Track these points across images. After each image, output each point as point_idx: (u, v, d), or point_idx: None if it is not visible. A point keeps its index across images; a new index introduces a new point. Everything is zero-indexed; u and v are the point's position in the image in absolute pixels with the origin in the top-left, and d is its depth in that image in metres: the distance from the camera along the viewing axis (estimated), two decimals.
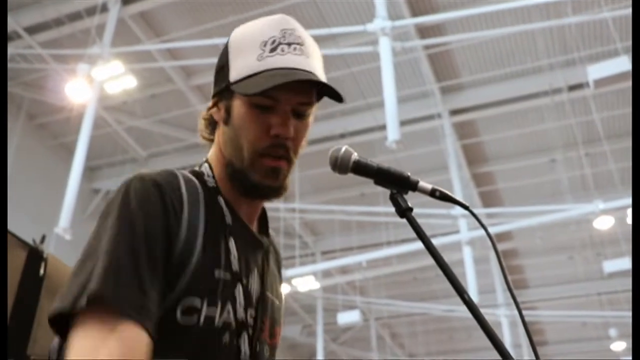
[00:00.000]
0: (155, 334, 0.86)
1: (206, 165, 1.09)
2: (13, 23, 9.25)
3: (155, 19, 9.58)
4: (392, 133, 7.38)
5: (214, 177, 1.06)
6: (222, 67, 1.06)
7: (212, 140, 1.11)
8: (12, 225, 2.66)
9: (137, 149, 11.57)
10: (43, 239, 2.46)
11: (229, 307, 0.96)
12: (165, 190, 0.94)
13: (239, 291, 0.98)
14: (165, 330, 0.88)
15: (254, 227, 1.11)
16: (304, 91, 1.02)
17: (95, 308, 0.82)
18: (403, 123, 8.92)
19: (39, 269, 2.31)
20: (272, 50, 1.01)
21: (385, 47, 7.96)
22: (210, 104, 1.09)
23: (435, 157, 11.46)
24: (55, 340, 0.98)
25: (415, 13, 9.12)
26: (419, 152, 11.46)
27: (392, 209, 1.06)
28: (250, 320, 1.01)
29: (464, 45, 9.76)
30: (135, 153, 11.64)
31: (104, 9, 8.96)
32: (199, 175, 1.06)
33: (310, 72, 1.01)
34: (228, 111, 1.04)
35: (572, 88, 9.93)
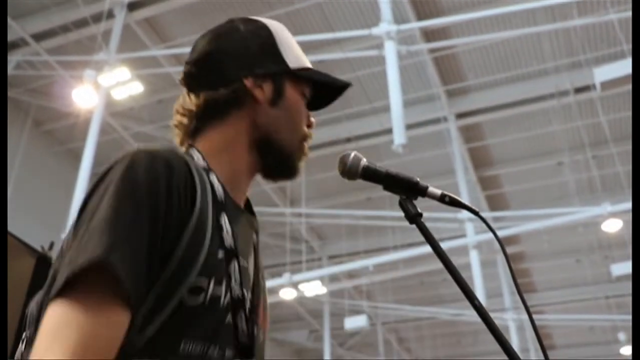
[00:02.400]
0: (159, 316, 0.84)
1: (194, 150, 1.04)
2: (19, 30, 9.30)
3: (161, 25, 9.61)
4: (398, 137, 7.37)
5: (204, 159, 1.01)
6: (271, 50, 1.08)
7: (196, 128, 1.06)
8: (20, 232, 2.67)
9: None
10: (52, 245, 2.47)
11: (226, 284, 0.93)
12: (176, 173, 0.89)
13: (234, 268, 0.95)
14: (171, 311, 0.86)
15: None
16: None
17: (88, 279, 0.78)
18: (409, 127, 8.91)
19: (47, 276, 2.31)
20: (305, 54, 1.15)
21: (390, 51, 7.96)
22: (247, 82, 1.04)
23: (442, 160, 11.44)
24: (33, 304, 0.93)
25: (420, 16, 9.12)
26: (425, 155, 11.45)
27: (399, 213, 1.06)
28: (247, 299, 0.98)
29: (470, 49, 9.75)
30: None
31: (110, 15, 9.00)
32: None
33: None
34: (280, 93, 1.07)
35: (579, 90, 9.90)
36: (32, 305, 0.94)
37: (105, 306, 0.78)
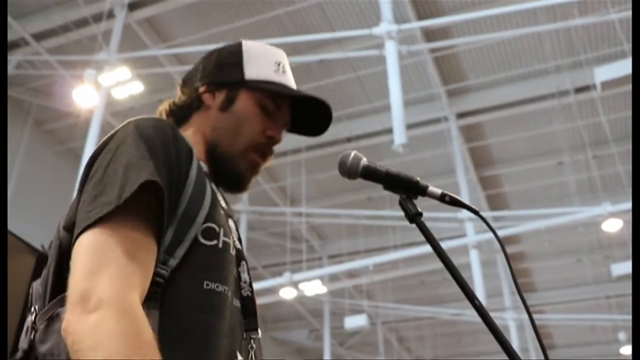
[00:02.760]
0: (179, 250, 0.95)
1: None
2: (20, 29, 9.30)
3: (162, 25, 9.61)
4: (399, 137, 7.37)
5: None
6: (232, 65, 1.20)
7: (177, 121, 1.20)
8: (20, 231, 2.67)
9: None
10: (51, 245, 2.47)
11: (232, 238, 1.05)
12: (178, 132, 1.03)
13: (233, 227, 1.09)
14: (192, 251, 0.96)
15: None
16: (290, 116, 1.22)
17: (122, 210, 0.88)
18: (409, 126, 8.91)
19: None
20: (284, 72, 1.22)
21: (391, 51, 7.96)
22: (201, 88, 1.19)
23: (442, 160, 11.44)
24: (37, 284, 1.03)
25: (421, 16, 9.11)
26: (425, 155, 11.44)
27: (399, 213, 1.06)
28: (243, 251, 1.11)
29: (470, 48, 9.75)
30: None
31: (111, 15, 9.00)
32: None
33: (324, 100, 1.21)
34: (231, 100, 1.17)
35: (579, 90, 9.90)
36: (36, 285, 1.03)
37: (141, 233, 0.90)
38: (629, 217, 9.59)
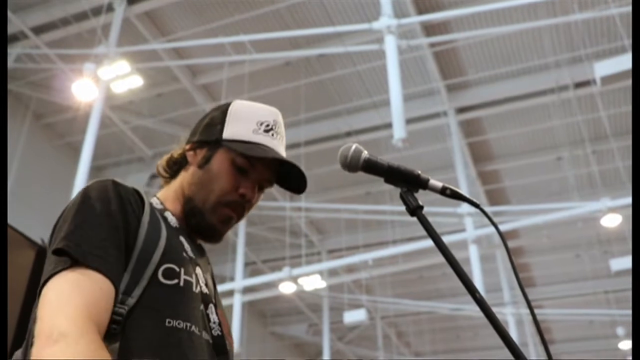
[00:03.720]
0: (137, 290, 1.02)
1: (154, 198, 1.26)
2: (19, 23, 9.28)
3: (161, 18, 9.59)
4: (398, 131, 7.36)
5: (161, 203, 1.24)
6: (216, 124, 1.26)
7: (168, 177, 1.29)
8: (19, 225, 2.67)
9: (144, 148, 11.58)
10: (51, 238, 2.47)
11: (195, 280, 1.11)
12: (122, 188, 1.11)
13: (200, 273, 1.14)
14: (151, 290, 1.03)
15: None
16: (274, 173, 1.26)
17: (63, 268, 0.97)
18: (409, 121, 8.90)
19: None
20: (266, 131, 1.25)
21: (390, 45, 7.94)
22: (187, 146, 1.27)
23: (441, 155, 11.44)
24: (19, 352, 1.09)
25: (420, 11, 9.09)
26: (425, 150, 11.44)
27: (398, 207, 1.07)
28: (215, 299, 1.17)
29: (470, 43, 9.73)
30: (142, 152, 11.66)
31: (110, 8, 8.98)
32: None
33: (294, 163, 1.24)
34: (208, 159, 1.23)
35: (579, 85, 9.89)
36: (18, 354, 1.09)
37: (93, 277, 0.97)
38: (628, 212, 9.60)
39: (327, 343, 14.46)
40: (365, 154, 1.10)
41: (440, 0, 9.08)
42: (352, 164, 1.10)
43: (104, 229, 1.02)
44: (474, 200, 1.09)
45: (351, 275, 13.87)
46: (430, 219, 1.06)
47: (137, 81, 9.30)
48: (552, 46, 9.66)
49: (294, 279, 11.55)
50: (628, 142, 10.72)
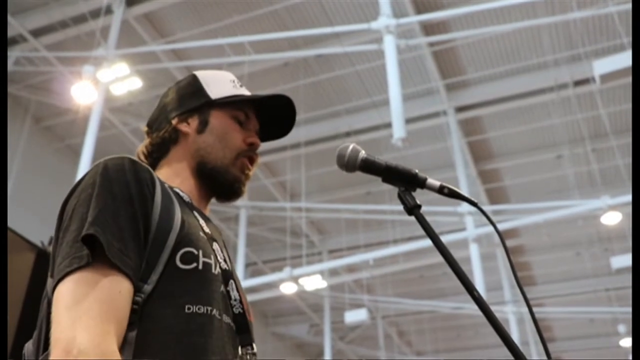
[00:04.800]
0: (153, 275, 0.99)
1: None
2: (18, 26, 9.28)
3: (160, 20, 9.59)
4: (398, 131, 7.37)
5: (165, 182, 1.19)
6: (194, 92, 1.29)
7: (151, 162, 1.27)
8: (20, 228, 2.67)
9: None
10: (51, 241, 2.47)
11: (214, 259, 1.08)
12: (139, 167, 1.07)
13: (217, 249, 1.11)
14: (169, 276, 1.00)
15: None
16: (258, 123, 1.32)
17: (80, 266, 0.93)
18: (408, 121, 8.91)
19: (47, 271, 2.32)
20: (241, 86, 1.32)
21: (389, 45, 7.95)
22: (174, 120, 1.26)
23: (441, 154, 11.44)
24: (30, 345, 1.07)
25: (419, 10, 9.10)
26: (424, 149, 11.44)
27: (399, 207, 1.06)
28: (235, 274, 1.14)
29: (469, 42, 9.73)
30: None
31: (109, 11, 8.98)
32: None
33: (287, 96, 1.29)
34: (205, 122, 1.25)
35: (578, 83, 9.89)
36: (28, 345, 1.08)
37: (111, 277, 0.94)
38: (629, 210, 9.60)
39: (329, 343, 14.46)
40: (362, 153, 1.11)
41: (439, 0, 9.08)
42: (350, 164, 1.11)
43: (123, 218, 0.98)
44: (472, 199, 1.10)
45: (352, 275, 13.87)
46: (431, 218, 1.06)
47: (136, 83, 9.30)
48: (551, 44, 9.66)
49: (295, 279, 11.55)
50: (628, 139, 10.72)
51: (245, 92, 1.31)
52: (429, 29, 9.42)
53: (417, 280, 14.94)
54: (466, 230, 10.33)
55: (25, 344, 1.09)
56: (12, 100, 10.37)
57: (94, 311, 0.90)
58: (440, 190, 1.07)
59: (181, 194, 1.18)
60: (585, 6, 8.59)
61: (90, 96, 8.66)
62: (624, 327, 13.84)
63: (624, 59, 7.20)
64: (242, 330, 1.09)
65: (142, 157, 1.28)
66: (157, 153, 1.27)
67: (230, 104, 1.27)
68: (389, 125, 8.24)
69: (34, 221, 8.69)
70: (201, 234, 1.09)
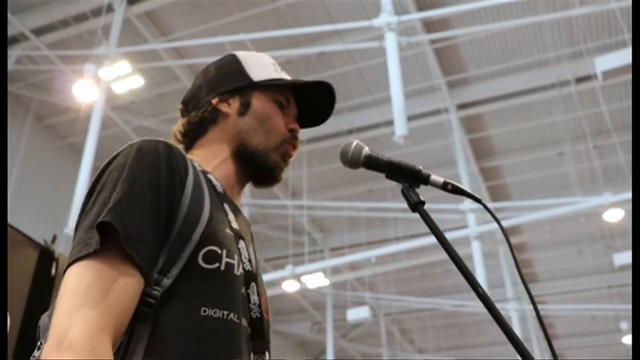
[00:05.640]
0: (174, 269, 0.96)
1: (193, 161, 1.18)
2: (19, 25, 9.29)
3: (161, 18, 9.59)
4: (400, 128, 7.37)
5: (199, 165, 1.15)
6: (236, 71, 1.26)
7: (186, 143, 1.25)
8: (22, 226, 2.68)
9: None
10: (54, 239, 2.48)
11: (238, 259, 1.04)
12: (174, 153, 1.03)
13: (243, 247, 1.07)
14: (189, 274, 0.97)
15: None
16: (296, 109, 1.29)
17: (104, 247, 0.90)
18: (410, 118, 8.89)
19: (50, 269, 2.33)
20: (280, 70, 1.29)
21: (391, 43, 7.94)
22: (214, 100, 1.23)
23: (443, 151, 11.44)
24: (45, 316, 1.04)
25: (421, 7, 9.09)
26: (426, 147, 11.44)
27: (401, 205, 1.07)
28: (258, 275, 1.11)
29: (470, 39, 9.72)
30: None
31: (110, 9, 8.98)
32: None
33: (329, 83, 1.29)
34: (247, 104, 1.22)
35: (580, 80, 9.87)
36: (45, 317, 1.05)
37: (123, 268, 0.91)
38: (630, 206, 9.58)
39: (331, 341, 14.47)
40: (366, 150, 1.11)
41: None
42: (354, 160, 1.11)
43: (147, 207, 0.95)
44: (475, 194, 1.10)
45: (354, 272, 13.87)
46: (433, 216, 1.06)
47: (138, 81, 9.30)
48: (552, 41, 9.65)
49: (297, 277, 11.56)
50: (630, 136, 10.68)
51: (286, 76, 1.29)
52: (430, 26, 9.41)
53: (420, 278, 14.94)
54: (468, 228, 10.33)
55: (41, 316, 1.07)
56: (14, 99, 10.37)
57: (95, 301, 0.87)
58: (444, 186, 1.07)
59: (214, 182, 1.13)
60: (587, 2, 8.58)
61: (92, 94, 8.66)
62: (626, 325, 13.84)
63: (626, 56, 7.19)
64: (257, 336, 1.05)
65: (179, 136, 1.25)
66: (194, 133, 1.24)
67: (272, 87, 1.25)
68: (390, 123, 8.24)
69: (36, 220, 8.72)
70: (228, 230, 1.05)
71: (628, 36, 8.53)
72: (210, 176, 1.13)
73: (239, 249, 1.05)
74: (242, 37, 8.88)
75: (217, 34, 9.24)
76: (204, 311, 0.96)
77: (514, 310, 12.21)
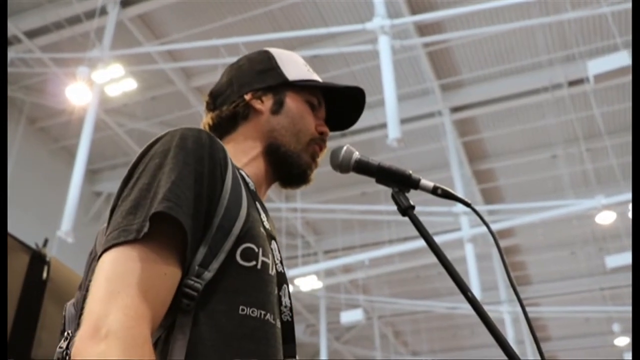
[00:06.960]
0: (214, 263, 0.93)
1: None
2: (13, 27, 9.26)
3: (154, 21, 9.58)
4: (393, 131, 7.38)
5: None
6: (271, 69, 1.24)
7: (223, 134, 1.21)
8: (14, 229, 2.67)
9: (138, 151, 11.55)
10: (46, 242, 2.47)
11: (272, 259, 1.02)
12: (215, 145, 1.01)
13: (275, 248, 1.06)
14: (227, 269, 0.94)
15: None
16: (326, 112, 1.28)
17: (149, 233, 0.87)
18: (403, 121, 8.92)
19: (42, 273, 2.32)
20: (312, 71, 1.29)
21: (384, 46, 7.96)
22: (247, 96, 1.20)
23: (436, 154, 11.46)
24: (70, 305, 1.03)
25: (414, 11, 9.11)
26: (420, 150, 11.46)
27: (394, 208, 1.07)
28: (285, 274, 1.08)
29: (464, 43, 9.75)
30: (136, 155, 11.64)
31: (103, 12, 8.96)
32: None
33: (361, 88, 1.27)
34: (280, 103, 1.21)
35: (572, 83, 9.92)
36: (69, 306, 1.04)
37: (162, 257, 0.88)
38: (623, 209, 9.64)
39: (325, 343, 14.46)
40: (356, 154, 1.11)
41: (434, 0, 9.10)
42: (344, 165, 1.11)
43: (189, 196, 0.92)
44: (466, 199, 1.10)
45: (348, 275, 13.88)
46: (426, 219, 1.07)
47: (131, 84, 9.30)
48: (545, 45, 9.69)
49: (291, 280, 11.55)
50: (622, 139, 10.76)
51: (317, 77, 1.28)
52: (423, 29, 9.43)
53: (413, 280, 14.96)
54: (461, 230, 10.35)
55: (64, 305, 1.06)
56: (7, 101, 10.34)
57: (133, 289, 0.83)
58: (434, 191, 1.08)
59: (247, 179, 1.11)
60: (579, 6, 8.62)
61: (85, 97, 8.65)
62: (619, 326, 13.89)
63: (618, 59, 7.23)
64: (287, 340, 1.02)
65: (208, 130, 1.21)
66: (224, 127, 1.21)
67: (307, 88, 1.24)
68: (384, 126, 8.25)
69: (28, 222, 8.69)
70: (262, 229, 1.03)
71: (620, 40, 8.57)
72: (242, 172, 1.11)
73: (271, 249, 1.04)
74: (235, 40, 8.87)
75: (211, 37, 9.23)
76: (242, 310, 0.93)
77: (507, 312, 12.24)
